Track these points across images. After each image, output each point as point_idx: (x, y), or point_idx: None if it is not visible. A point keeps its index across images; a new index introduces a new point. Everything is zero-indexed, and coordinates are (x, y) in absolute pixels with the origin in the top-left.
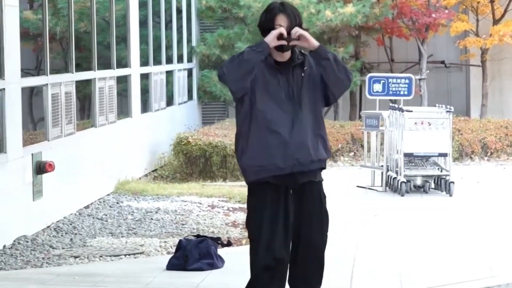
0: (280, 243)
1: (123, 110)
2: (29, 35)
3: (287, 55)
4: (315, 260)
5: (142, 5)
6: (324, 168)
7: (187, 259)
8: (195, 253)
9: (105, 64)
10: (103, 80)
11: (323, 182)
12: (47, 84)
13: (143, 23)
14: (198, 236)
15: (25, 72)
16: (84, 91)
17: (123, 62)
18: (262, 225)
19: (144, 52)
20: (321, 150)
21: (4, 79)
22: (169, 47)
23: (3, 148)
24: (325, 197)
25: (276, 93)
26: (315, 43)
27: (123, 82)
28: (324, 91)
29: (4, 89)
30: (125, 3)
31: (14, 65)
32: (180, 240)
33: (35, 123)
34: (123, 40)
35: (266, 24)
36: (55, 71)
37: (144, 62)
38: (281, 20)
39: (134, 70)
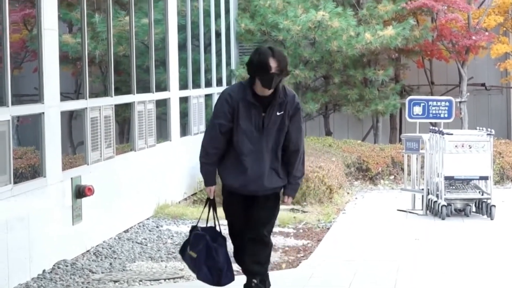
0: (243, 225)
1: (162, 134)
2: (68, 59)
3: (269, 91)
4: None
5: (181, 29)
6: (279, 191)
7: (220, 273)
8: (226, 264)
9: (144, 87)
10: (142, 103)
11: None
12: (86, 107)
13: (182, 47)
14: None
15: (65, 96)
16: (123, 114)
17: (162, 86)
18: (232, 215)
19: (183, 75)
20: (275, 180)
21: (43, 103)
22: (208, 70)
23: (43, 172)
24: (278, 198)
25: (248, 128)
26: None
27: (162, 105)
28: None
29: (43, 113)
30: (164, 26)
31: (54, 89)
32: (198, 235)
33: (74, 147)
34: (162, 63)
35: (261, 62)
36: (94, 94)
37: (183, 86)
38: (272, 63)
39: (173, 94)
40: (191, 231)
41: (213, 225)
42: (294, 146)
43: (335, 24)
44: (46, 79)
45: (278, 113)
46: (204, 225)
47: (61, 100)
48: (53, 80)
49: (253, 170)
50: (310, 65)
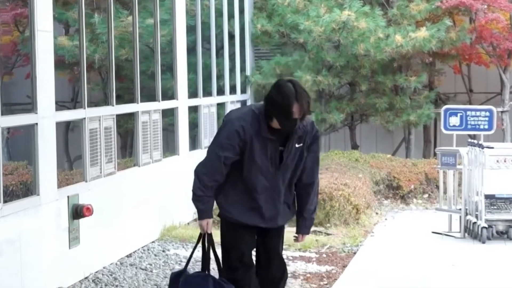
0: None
1: (170, 147)
2: (64, 64)
3: None
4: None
5: (190, 30)
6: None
7: None
8: None
9: (149, 95)
10: (147, 113)
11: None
12: (84, 118)
13: (191, 50)
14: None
15: (60, 105)
16: (126, 126)
17: (169, 94)
18: (234, 245)
19: (193, 82)
20: (287, 214)
21: (37, 113)
22: (220, 76)
23: (36, 190)
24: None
25: (264, 164)
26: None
27: (169, 115)
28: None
29: (36, 124)
30: (171, 27)
31: (48, 97)
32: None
33: (71, 162)
34: (169, 69)
35: (285, 108)
36: (94, 103)
37: (192, 94)
38: (295, 108)
39: (182, 103)
40: (175, 278)
41: (206, 265)
42: (309, 178)
43: (362, 24)
44: (40, 86)
45: (297, 146)
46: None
47: (57, 109)
48: (48, 88)
49: (267, 210)
50: (334, 70)
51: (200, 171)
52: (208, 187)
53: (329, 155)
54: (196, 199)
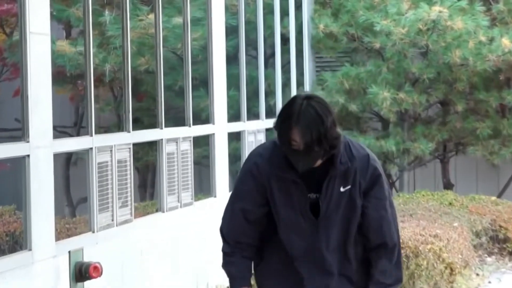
0: None
1: (204, 187)
2: (65, 77)
3: (315, 163)
4: None
5: (231, 32)
6: None
7: None
8: None
9: (176, 118)
10: (174, 142)
11: None
12: (91, 148)
13: (232, 59)
14: None
15: (59, 131)
16: (146, 158)
17: (203, 116)
18: None
19: (234, 101)
20: None
21: (28, 141)
22: (270, 93)
23: (27, 243)
24: None
25: (289, 217)
26: None
27: (203, 145)
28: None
29: (28, 156)
30: (206, 29)
31: (44, 121)
32: None
33: (73, 206)
34: (203, 83)
35: (282, 134)
36: (103, 129)
37: (233, 116)
38: (296, 136)
39: (220, 128)
40: None
41: None
42: (378, 237)
43: (457, 24)
44: (33, 106)
45: (342, 190)
46: None
47: (55, 137)
48: (43, 108)
49: (310, 282)
50: (421, 85)
51: (223, 227)
52: (235, 248)
53: (414, 197)
54: (225, 261)
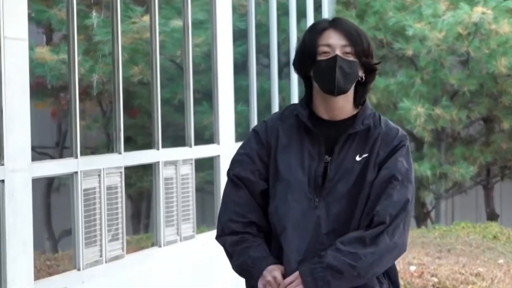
0: None
1: (207, 217)
2: (45, 89)
3: (341, 107)
4: None
5: (239, 37)
6: None
7: None
8: None
9: (175, 138)
10: (173, 165)
11: None
12: (76, 172)
13: (240, 68)
14: None
15: (39, 153)
16: (140, 184)
17: (206, 135)
18: None
19: (243, 117)
20: None
21: (3, 165)
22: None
23: (1, 283)
24: None
25: (296, 180)
26: None
27: (206, 168)
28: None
29: (2, 181)
30: (210, 33)
31: (21, 141)
32: None
33: (55, 239)
34: (206, 96)
35: (307, 47)
36: (90, 150)
37: (242, 135)
38: (331, 38)
39: (226, 148)
40: None
41: None
42: (369, 216)
43: (503, 28)
44: (8, 123)
45: (358, 158)
46: None
47: (34, 159)
48: (20, 125)
49: (294, 257)
50: (461, 99)
51: (221, 214)
52: (248, 228)
53: (452, 229)
54: (236, 253)
